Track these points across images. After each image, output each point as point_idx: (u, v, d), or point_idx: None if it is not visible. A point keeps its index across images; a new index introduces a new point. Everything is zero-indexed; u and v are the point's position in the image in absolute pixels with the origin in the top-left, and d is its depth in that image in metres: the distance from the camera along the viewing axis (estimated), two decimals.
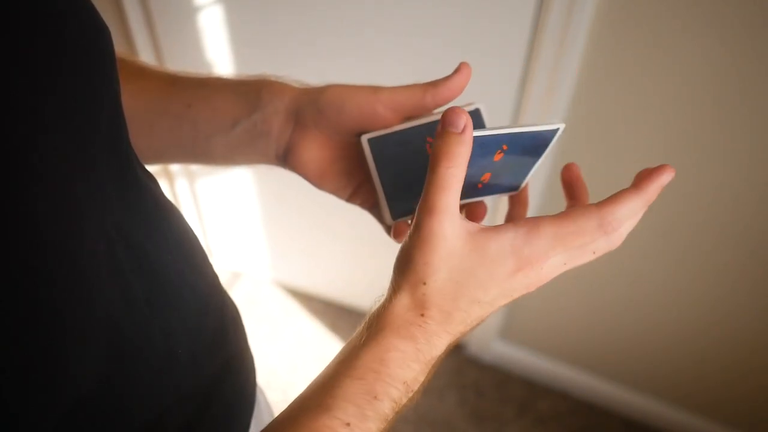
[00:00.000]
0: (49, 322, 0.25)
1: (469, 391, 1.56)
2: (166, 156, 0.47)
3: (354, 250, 1.52)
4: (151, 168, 0.41)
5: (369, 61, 1.12)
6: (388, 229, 0.46)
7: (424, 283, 0.34)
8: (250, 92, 0.44)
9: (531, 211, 0.47)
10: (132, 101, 0.43)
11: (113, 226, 0.31)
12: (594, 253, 0.36)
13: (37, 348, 0.25)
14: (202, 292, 0.42)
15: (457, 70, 0.42)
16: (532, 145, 0.40)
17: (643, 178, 0.36)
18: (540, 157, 0.41)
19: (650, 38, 0.90)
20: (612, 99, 0.99)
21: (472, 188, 0.41)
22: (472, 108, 0.44)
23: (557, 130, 0.39)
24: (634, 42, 0.92)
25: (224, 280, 1.79)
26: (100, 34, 0.31)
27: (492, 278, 0.34)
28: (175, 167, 1.52)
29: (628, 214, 0.35)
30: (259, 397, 0.52)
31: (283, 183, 1.43)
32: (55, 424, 0.27)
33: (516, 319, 1.47)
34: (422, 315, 0.34)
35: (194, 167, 1.52)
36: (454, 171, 0.33)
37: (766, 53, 0.85)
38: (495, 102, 1.07)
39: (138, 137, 0.41)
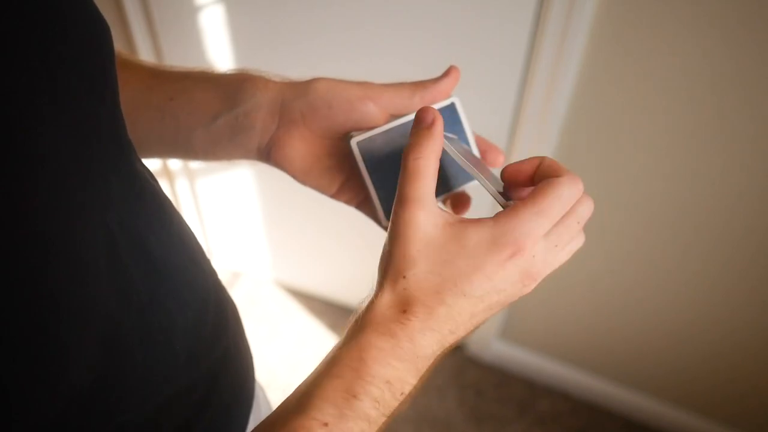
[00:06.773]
0: (44, 315, 0.25)
1: (469, 391, 1.56)
2: (147, 149, 0.47)
3: (354, 250, 1.52)
4: (150, 166, 0.41)
5: (369, 60, 1.12)
6: (385, 229, 0.46)
7: (404, 277, 0.33)
8: (231, 86, 0.44)
9: None
10: None
11: (115, 219, 0.31)
12: (579, 222, 0.34)
13: (32, 341, 0.25)
14: (201, 287, 0.42)
15: (446, 73, 0.43)
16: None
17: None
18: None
19: (651, 38, 0.90)
20: (613, 98, 0.99)
21: None
22: (448, 102, 0.45)
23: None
24: (634, 41, 0.92)
25: (224, 280, 1.79)
26: (100, 28, 0.31)
27: (476, 269, 0.32)
28: (175, 167, 1.52)
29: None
30: (258, 393, 0.52)
31: (283, 183, 1.42)
32: (52, 419, 0.27)
33: (516, 319, 1.47)
34: (404, 312, 0.33)
35: (194, 166, 1.52)
36: (423, 162, 0.34)
37: (767, 51, 0.85)
38: (495, 102, 1.07)
39: None
